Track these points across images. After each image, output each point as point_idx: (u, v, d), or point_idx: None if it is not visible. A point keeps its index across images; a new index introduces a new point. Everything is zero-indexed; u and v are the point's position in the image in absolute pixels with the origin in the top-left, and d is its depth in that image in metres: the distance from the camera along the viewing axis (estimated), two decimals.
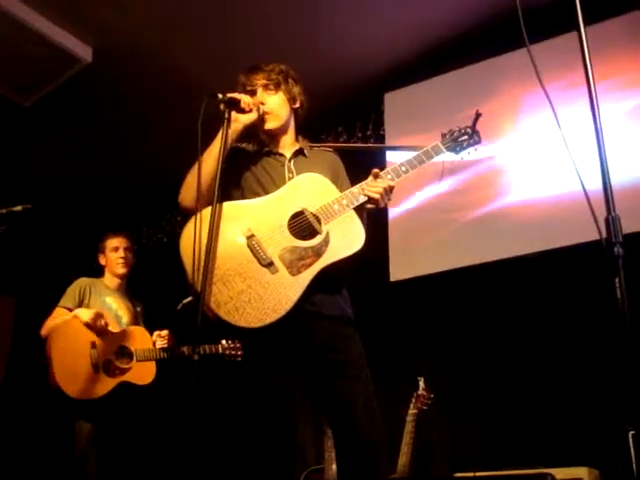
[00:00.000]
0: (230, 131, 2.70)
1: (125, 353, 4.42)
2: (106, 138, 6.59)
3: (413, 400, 4.46)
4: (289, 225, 2.64)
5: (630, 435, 3.68)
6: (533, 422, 4.54)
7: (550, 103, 1.92)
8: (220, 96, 2.68)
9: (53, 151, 6.75)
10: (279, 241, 2.60)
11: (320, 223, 2.63)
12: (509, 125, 5.24)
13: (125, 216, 7.29)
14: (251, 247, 2.58)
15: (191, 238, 2.48)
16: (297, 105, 2.97)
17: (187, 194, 2.70)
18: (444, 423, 4.86)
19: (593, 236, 1.61)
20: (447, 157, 2.97)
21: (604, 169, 1.60)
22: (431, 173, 5.37)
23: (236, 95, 2.74)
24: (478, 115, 2.92)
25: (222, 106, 2.69)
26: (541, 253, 4.76)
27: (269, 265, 2.55)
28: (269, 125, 2.87)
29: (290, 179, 2.79)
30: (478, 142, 2.97)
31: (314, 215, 2.65)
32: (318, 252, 2.58)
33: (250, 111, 2.77)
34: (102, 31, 5.33)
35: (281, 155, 2.91)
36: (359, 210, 2.72)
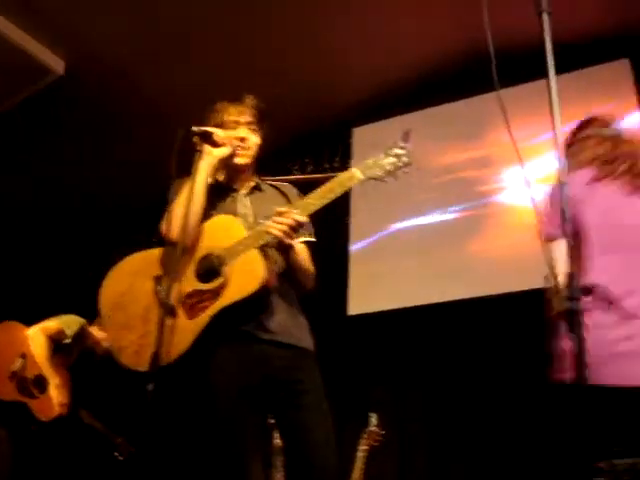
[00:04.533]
0: (205, 164, 2.67)
1: (41, 384, 4.36)
2: (75, 152, 6.50)
3: (364, 436, 4.43)
4: (196, 268, 2.62)
5: None
6: (486, 461, 4.54)
7: (516, 150, 1.92)
8: (194, 129, 2.66)
9: (20, 163, 6.66)
10: (184, 284, 2.58)
11: (223, 264, 2.58)
12: (474, 168, 5.31)
13: (93, 234, 7.21)
14: (157, 291, 2.61)
15: (113, 287, 2.71)
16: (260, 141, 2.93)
17: (174, 226, 2.62)
18: (395, 460, 4.83)
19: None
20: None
21: (565, 222, 1.60)
22: (399, 208, 5.47)
23: (209, 129, 2.71)
24: (407, 133, 2.73)
25: (195, 138, 2.67)
26: (500, 295, 4.79)
27: (170, 309, 2.50)
28: (241, 160, 2.83)
29: (244, 215, 2.77)
30: (408, 164, 2.66)
31: (218, 257, 2.61)
32: (216, 294, 2.56)
33: (223, 145, 2.74)
34: (75, 45, 5.32)
35: (235, 191, 2.87)
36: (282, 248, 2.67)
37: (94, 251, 5.44)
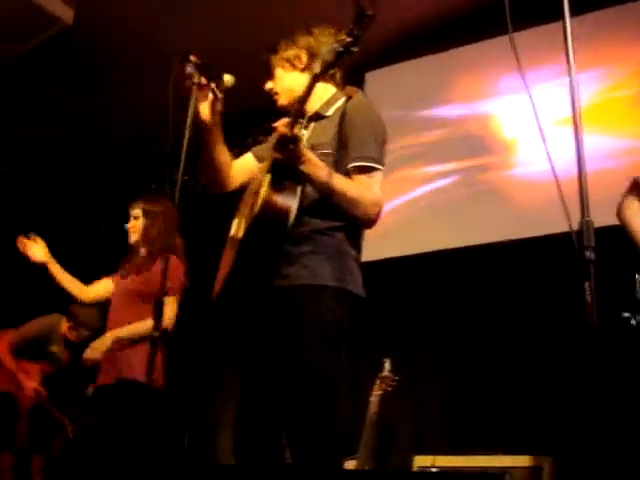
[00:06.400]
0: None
1: None
2: (83, 101, 6.48)
3: (378, 382, 4.47)
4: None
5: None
6: (497, 408, 4.58)
7: (530, 96, 1.90)
8: (192, 59, 2.49)
9: (30, 111, 6.65)
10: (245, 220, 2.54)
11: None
12: (489, 110, 5.25)
13: (101, 181, 7.24)
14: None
15: None
16: (303, 64, 2.65)
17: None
18: (408, 405, 4.87)
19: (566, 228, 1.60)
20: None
21: (581, 171, 1.58)
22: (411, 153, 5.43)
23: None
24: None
25: (190, 67, 2.49)
26: (512, 241, 4.78)
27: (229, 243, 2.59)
28: (279, 104, 2.69)
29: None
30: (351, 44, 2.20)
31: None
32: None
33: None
34: None
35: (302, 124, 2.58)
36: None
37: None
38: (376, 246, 5.42)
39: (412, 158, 5.45)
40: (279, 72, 2.70)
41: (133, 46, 5.80)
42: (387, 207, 5.44)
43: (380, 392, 4.44)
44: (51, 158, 7.30)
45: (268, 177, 2.33)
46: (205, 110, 2.50)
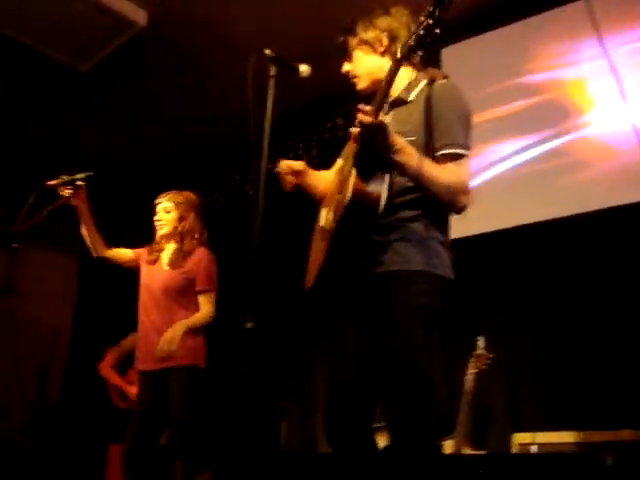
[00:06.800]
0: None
1: None
2: (160, 103, 6.62)
3: (472, 360, 4.43)
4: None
5: None
6: (593, 381, 4.48)
7: (610, 61, 1.85)
8: (267, 52, 2.52)
9: (110, 116, 6.82)
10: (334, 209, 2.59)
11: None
12: (569, 77, 5.11)
13: (182, 180, 7.37)
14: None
15: None
16: (383, 47, 2.63)
17: None
18: (504, 383, 4.81)
19: None
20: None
21: None
22: (499, 129, 5.34)
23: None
24: None
25: (268, 61, 2.53)
26: (598, 211, 4.65)
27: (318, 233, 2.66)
28: (358, 88, 2.70)
29: None
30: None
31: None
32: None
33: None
34: None
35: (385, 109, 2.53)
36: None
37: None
38: (463, 223, 5.37)
39: (494, 133, 5.35)
40: (358, 54, 2.68)
41: (205, 46, 5.87)
42: (472, 183, 5.38)
43: (475, 370, 4.41)
44: (126, 163, 7.55)
45: (355, 167, 2.35)
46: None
